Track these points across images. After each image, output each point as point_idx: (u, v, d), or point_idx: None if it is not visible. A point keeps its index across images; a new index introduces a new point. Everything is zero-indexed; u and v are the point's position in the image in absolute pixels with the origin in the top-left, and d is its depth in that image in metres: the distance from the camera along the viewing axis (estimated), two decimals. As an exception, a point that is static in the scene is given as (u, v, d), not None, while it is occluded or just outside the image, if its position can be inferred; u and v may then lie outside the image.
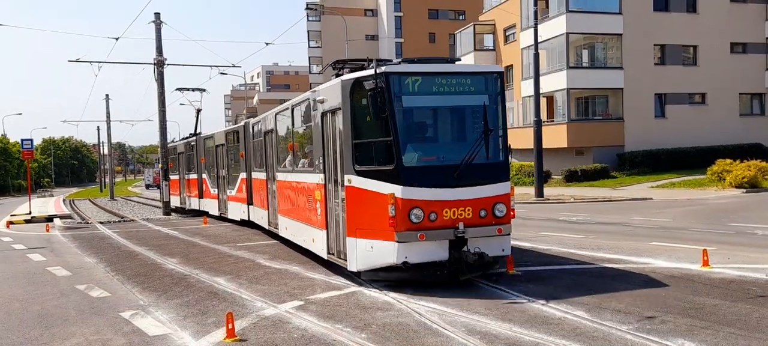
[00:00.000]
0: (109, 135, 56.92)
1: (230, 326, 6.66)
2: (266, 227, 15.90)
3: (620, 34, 37.88)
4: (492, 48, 50.46)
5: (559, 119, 38.97)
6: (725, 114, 39.74)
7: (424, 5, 74.83)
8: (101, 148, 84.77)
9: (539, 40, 28.02)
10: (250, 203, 17.98)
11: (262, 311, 7.84)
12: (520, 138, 40.97)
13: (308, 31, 78.87)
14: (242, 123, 19.20)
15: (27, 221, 25.10)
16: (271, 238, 15.56)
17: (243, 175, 18.55)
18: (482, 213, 8.96)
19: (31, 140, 29.34)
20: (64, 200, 47.97)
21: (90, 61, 26.91)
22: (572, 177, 34.83)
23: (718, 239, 12.96)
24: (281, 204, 13.93)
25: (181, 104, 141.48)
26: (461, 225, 8.73)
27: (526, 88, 40.66)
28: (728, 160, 28.26)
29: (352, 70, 10.17)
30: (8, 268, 12.58)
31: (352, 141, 9.23)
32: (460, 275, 8.77)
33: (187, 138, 27.55)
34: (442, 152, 9.63)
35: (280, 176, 13.89)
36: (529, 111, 40.17)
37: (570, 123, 37.32)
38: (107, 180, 66.15)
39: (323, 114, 10.26)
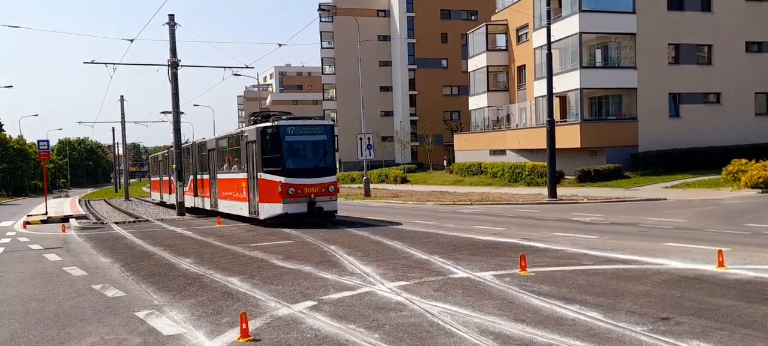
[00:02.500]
0: (123, 136, 57.34)
1: (244, 326, 6.69)
2: (208, 208, 25.63)
3: (634, 34, 37.65)
4: (504, 48, 50.35)
5: (572, 119, 38.78)
6: (740, 114, 39.40)
7: (436, 5, 74.74)
8: (116, 148, 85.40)
9: (552, 39, 27.92)
10: (195, 194, 27.76)
11: (275, 311, 7.87)
12: (532, 138, 40.86)
13: (321, 32, 79.03)
14: (191, 143, 29.04)
15: (43, 222, 25.35)
16: (281, 239, 15.65)
17: (191, 176, 28.40)
18: (322, 190, 18.96)
19: (48, 141, 29.63)
20: (79, 201, 48.39)
21: (105, 63, 27.15)
22: (585, 177, 34.64)
23: (734, 240, 12.85)
24: (220, 193, 23.87)
25: (194, 105, 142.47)
26: (313, 196, 18.72)
27: (539, 88, 40.52)
28: (743, 160, 28.00)
29: (263, 119, 20.36)
30: (25, 268, 12.72)
31: (262, 156, 19.11)
32: (312, 217, 18.62)
33: (164, 151, 36.49)
34: (304, 162, 19.44)
35: (220, 176, 23.88)
36: (542, 111, 40.04)
37: (583, 123, 37.14)
38: (122, 181, 66.60)
39: (247, 143, 20.17)
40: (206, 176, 25.76)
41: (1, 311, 8.62)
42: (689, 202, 23.11)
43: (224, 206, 23.23)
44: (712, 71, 39.32)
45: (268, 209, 18.95)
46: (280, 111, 21.71)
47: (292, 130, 19.26)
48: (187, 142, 29.81)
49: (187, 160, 28.62)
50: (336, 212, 19.65)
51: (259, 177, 19.23)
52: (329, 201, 19.07)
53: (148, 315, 7.96)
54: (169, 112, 36.57)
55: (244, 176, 20.53)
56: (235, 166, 22.03)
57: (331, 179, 19.39)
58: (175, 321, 7.60)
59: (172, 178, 30.99)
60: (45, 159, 29.35)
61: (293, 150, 19.30)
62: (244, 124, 24.48)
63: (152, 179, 40.04)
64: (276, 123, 19.07)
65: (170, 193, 33.06)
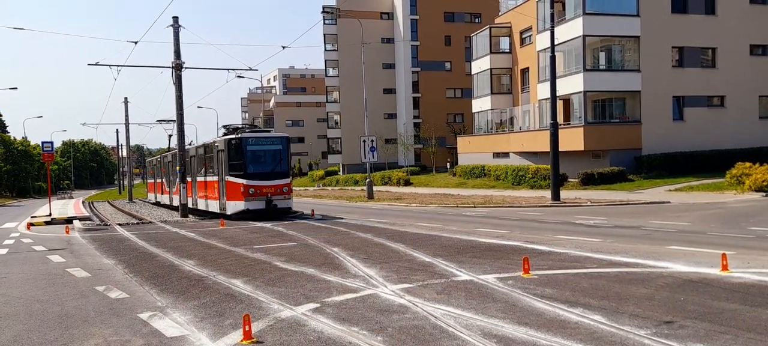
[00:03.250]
0: (127, 138, 57.43)
1: (247, 328, 6.69)
2: (190, 206, 28.15)
3: (638, 36, 37.60)
4: (508, 51, 50.33)
5: (575, 122, 38.75)
6: (745, 117, 39.30)
7: (439, 8, 74.73)
8: (120, 150, 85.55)
9: (556, 42, 27.92)
10: (172, 193, 32.26)
11: (278, 313, 7.88)
12: (536, 141, 40.84)
13: (324, 35, 79.13)
14: (172, 152, 33.04)
15: (47, 223, 25.41)
16: (284, 241, 15.66)
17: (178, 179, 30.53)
18: (278, 190, 22.53)
19: (52, 143, 29.73)
20: (83, 202, 48.50)
21: (109, 65, 27.22)
22: (589, 180, 34.59)
23: (738, 243, 12.82)
24: (198, 193, 28.07)
25: (198, 107, 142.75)
26: (270, 195, 22.27)
27: (543, 90, 40.50)
28: (748, 164, 27.92)
29: (234, 132, 24.09)
30: (29, 269, 12.75)
31: (228, 163, 23.00)
32: (270, 214, 22.17)
33: (158, 156, 41.25)
34: (263, 167, 22.97)
35: (198, 179, 28.01)
36: (546, 114, 39.99)
37: (587, 126, 37.09)
38: (126, 182, 66.76)
39: (218, 151, 24.25)
40: (189, 179, 29.16)
41: (5, 312, 8.64)
42: (693, 205, 23.06)
43: (201, 203, 27.60)
44: (716, 74, 39.24)
45: (233, 206, 23.11)
46: (249, 125, 26.38)
47: (253, 141, 23.20)
48: (171, 150, 34.09)
49: (174, 165, 31.87)
50: (290, 208, 23.83)
51: (226, 179, 23.30)
52: (284, 199, 23.01)
53: (152, 317, 7.97)
54: (165, 121, 43.12)
55: (215, 179, 24.80)
56: (210, 170, 26.00)
57: (286, 181, 23.33)
58: (179, 323, 7.61)
59: (163, 180, 36.44)
60: (49, 161, 29.43)
61: (254, 157, 23.04)
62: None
63: (148, 181, 45.64)
64: (240, 135, 23.11)
65: (162, 193, 37.81)
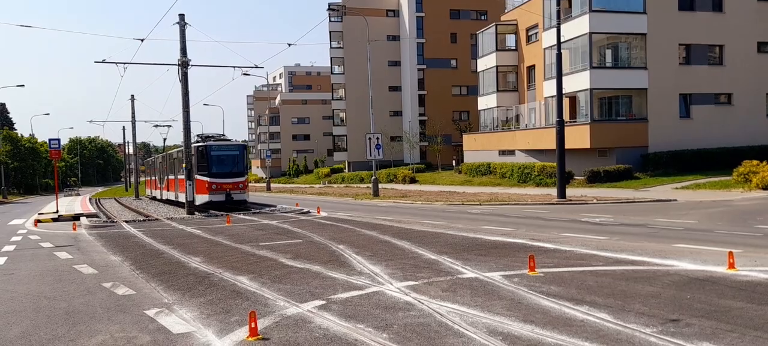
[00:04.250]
0: (134, 135, 57.57)
1: (253, 325, 6.72)
2: (173, 199, 34.74)
3: (644, 34, 37.46)
4: (514, 48, 50.22)
5: (581, 120, 38.64)
6: (752, 114, 39.11)
7: (445, 5, 74.58)
8: (126, 147, 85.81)
9: (562, 39, 27.85)
10: (167, 189, 36.98)
11: (284, 310, 7.90)
12: (542, 139, 40.75)
13: (330, 32, 79.09)
14: (161, 156, 40.89)
15: (54, 220, 25.53)
16: (290, 238, 15.70)
17: (165, 177, 37.60)
18: (235, 186, 27.91)
19: (59, 140, 29.87)
20: (90, 199, 48.67)
21: (116, 62, 27.25)
22: (595, 178, 34.51)
23: (744, 242, 12.77)
24: (179, 188, 31.83)
25: (204, 105, 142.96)
26: (228, 190, 27.70)
27: (549, 88, 40.40)
28: (755, 162, 27.81)
29: (204, 140, 29.58)
30: (36, 266, 12.82)
31: (198, 164, 28.02)
32: (230, 204, 27.82)
33: (155, 156, 48.09)
34: (223, 168, 28.04)
35: (179, 177, 31.51)
36: (552, 111, 39.93)
37: (593, 123, 36.99)
38: (132, 179, 66.96)
39: (189, 155, 27.91)
40: (172, 177, 34.91)
41: (13, 309, 8.69)
42: (700, 203, 22.98)
43: (180, 196, 32.39)
44: (723, 72, 39.06)
45: (200, 199, 28.09)
46: (219, 134, 31.32)
47: (216, 147, 28.64)
48: (164, 152, 41.71)
49: (164, 166, 38.51)
50: (245, 200, 29.10)
51: (195, 177, 28.15)
52: (240, 193, 28.38)
53: (158, 313, 8.01)
54: (161, 124, 50.81)
55: (198, 176, 29.04)
56: (182, 170, 30.15)
57: (242, 179, 28.72)
58: (185, 319, 7.65)
59: (155, 178, 42.87)
60: (56, 158, 29.58)
61: (217, 161, 28.35)
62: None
63: (147, 178, 50.60)
64: (206, 143, 28.59)
65: (155, 189, 43.91)
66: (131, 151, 65.66)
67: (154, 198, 46.01)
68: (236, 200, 28.09)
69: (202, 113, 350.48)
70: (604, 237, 14.14)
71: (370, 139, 36.11)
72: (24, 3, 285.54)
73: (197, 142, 29.38)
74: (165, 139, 64.27)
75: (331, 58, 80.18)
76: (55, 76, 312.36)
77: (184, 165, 28.26)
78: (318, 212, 24.76)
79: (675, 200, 24.74)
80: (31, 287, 10.38)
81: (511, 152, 46.24)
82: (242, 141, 37.58)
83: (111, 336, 7.04)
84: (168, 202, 37.41)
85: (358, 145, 70.69)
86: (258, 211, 27.52)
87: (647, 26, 37.33)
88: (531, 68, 47.65)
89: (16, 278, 11.36)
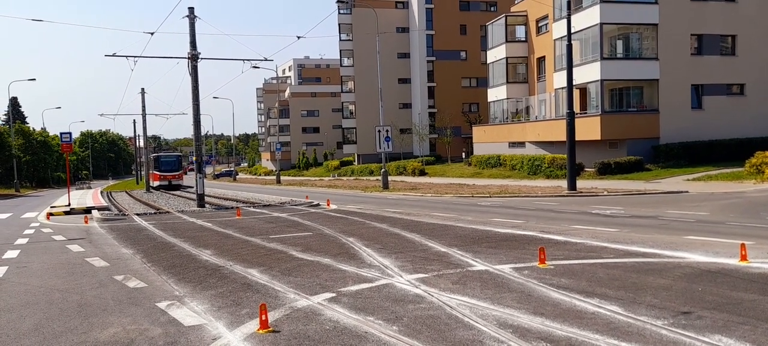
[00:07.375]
0: (144, 128, 57.92)
1: (264, 317, 6.74)
2: (153, 185, 55.33)
3: (656, 24, 37.19)
4: (524, 39, 49.98)
5: (592, 111, 38.44)
6: (765, 105, 38.77)
7: (455, -3, 74.33)
8: (137, 141, 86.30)
9: (572, 30, 27.69)
10: (154, 180, 55.28)
11: (294, 302, 7.92)
12: (552, 130, 40.58)
13: (339, 24, 79.04)
14: (153, 155, 58.47)
15: (66, 213, 25.70)
16: (300, 231, 15.74)
17: (151, 171, 56.65)
18: (174, 177, 54.71)
19: (70, 134, 30.02)
20: (101, 192, 49.04)
21: (126, 56, 27.43)
22: (605, 170, 34.35)
23: (757, 233, 12.67)
24: (154, 179, 56.05)
25: (214, 98, 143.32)
26: (170, 180, 54.07)
27: (559, 79, 40.20)
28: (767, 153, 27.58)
29: (156, 152, 69.29)
30: (49, 258, 12.92)
31: (154, 165, 56.42)
32: (170, 188, 52.92)
33: (153, 154, 63.45)
34: (167, 167, 55.05)
35: (155, 172, 56.01)
36: (562, 103, 39.73)
37: (603, 115, 36.80)
38: (143, 172, 67.50)
39: (154, 159, 57.62)
40: (152, 172, 55.71)
41: (26, 301, 8.77)
42: (711, 195, 22.83)
43: (154, 185, 53.55)
44: (735, 62, 38.71)
45: (155, 185, 51.92)
46: (170, 147, 43.72)
47: (164, 156, 54.86)
48: (160, 150, 64.84)
49: (150, 164, 57.50)
50: (181, 185, 52.92)
51: (151, 173, 52.94)
52: (177, 180, 52.94)
53: (169, 306, 8.05)
54: (165, 121, 56.80)
55: (153, 172, 52.24)
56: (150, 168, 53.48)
57: (179, 172, 53.92)
58: (196, 312, 7.68)
59: (153, 171, 55.68)
60: (68, 151, 29.74)
61: (163, 163, 53.28)
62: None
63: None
64: (158, 154, 51.79)
65: (153, 181, 55.63)
66: (142, 144, 66.06)
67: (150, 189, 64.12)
68: (175, 184, 52.57)
69: (212, 106, 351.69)
70: (615, 229, 14.07)
71: (379, 131, 36.10)
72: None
73: (154, 152, 49.68)
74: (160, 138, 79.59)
75: (340, 50, 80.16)
76: (66, 70, 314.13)
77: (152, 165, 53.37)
78: (328, 205, 24.80)
79: (686, 192, 24.58)
80: (44, 279, 10.47)
81: (522, 144, 46.09)
82: (181, 151, 56.82)
83: (123, 329, 7.08)
84: (151, 189, 55.23)
85: (367, 137, 70.71)
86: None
87: (659, 16, 37.04)
88: (541, 59, 47.43)
89: (29, 270, 11.46)
